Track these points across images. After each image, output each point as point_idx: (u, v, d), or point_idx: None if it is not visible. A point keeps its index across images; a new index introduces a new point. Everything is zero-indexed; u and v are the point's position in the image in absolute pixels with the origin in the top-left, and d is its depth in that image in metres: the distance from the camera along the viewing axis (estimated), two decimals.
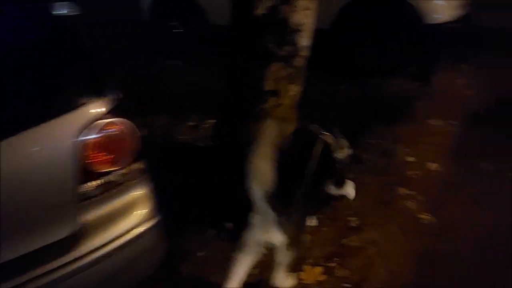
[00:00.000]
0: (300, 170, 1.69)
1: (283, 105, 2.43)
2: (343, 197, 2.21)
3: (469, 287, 1.88)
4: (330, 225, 2.24)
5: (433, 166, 2.68)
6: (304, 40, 2.30)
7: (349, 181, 2.19)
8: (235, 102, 2.49)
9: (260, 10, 2.20)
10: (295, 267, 1.81)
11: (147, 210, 1.44)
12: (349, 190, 2.21)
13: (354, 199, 2.27)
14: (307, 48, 2.34)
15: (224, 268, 1.71)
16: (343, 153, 2.05)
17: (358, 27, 4.48)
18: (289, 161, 1.65)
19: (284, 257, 1.64)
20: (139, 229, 1.40)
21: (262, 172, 1.45)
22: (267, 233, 1.57)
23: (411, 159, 2.78)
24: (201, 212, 2.25)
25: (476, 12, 5.57)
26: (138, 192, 1.42)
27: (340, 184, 2.10)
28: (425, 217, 2.24)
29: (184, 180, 2.41)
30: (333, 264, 1.97)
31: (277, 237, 1.56)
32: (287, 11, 2.19)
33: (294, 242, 1.60)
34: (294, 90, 2.43)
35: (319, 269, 1.94)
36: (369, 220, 2.26)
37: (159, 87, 4.00)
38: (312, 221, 2.10)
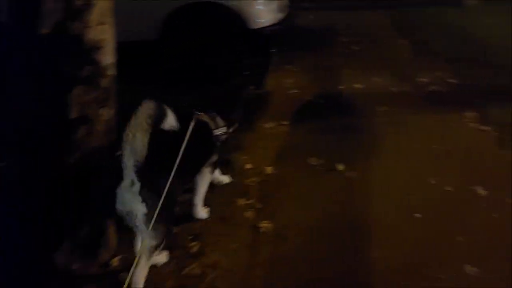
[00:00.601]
0: (176, 147, 1.76)
1: (96, 132, 2.14)
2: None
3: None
4: (170, 256, 2.04)
5: (269, 169, 2.70)
6: (107, 58, 2.05)
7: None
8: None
9: (45, 29, 1.87)
10: None
11: None
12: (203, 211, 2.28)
13: (195, 220, 2.21)
14: (112, 66, 2.09)
15: None
16: (220, 130, 2.12)
17: (185, 36, 4.41)
18: (166, 140, 1.76)
19: (144, 233, 1.69)
20: None
21: (137, 145, 1.56)
22: (130, 202, 1.64)
23: (249, 165, 2.77)
24: None
25: (295, 13, 6.07)
26: None
27: (222, 163, 2.30)
28: (264, 225, 2.21)
29: None
30: None
31: (138, 207, 1.63)
32: (79, 27, 1.91)
33: (158, 216, 1.62)
34: (107, 115, 2.15)
35: None
36: (210, 240, 2.14)
37: None
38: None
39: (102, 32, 1.98)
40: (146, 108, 1.60)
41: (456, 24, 6.44)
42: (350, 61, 4.98)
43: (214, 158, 2.18)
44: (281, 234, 2.15)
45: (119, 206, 1.68)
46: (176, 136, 1.81)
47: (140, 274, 1.68)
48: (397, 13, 7.69)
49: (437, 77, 4.33)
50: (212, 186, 2.51)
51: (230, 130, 2.23)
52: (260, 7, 4.50)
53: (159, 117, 1.67)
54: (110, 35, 2.04)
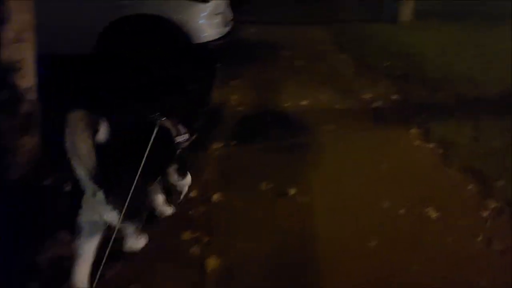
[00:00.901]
0: (139, 152, 1.79)
1: (18, 163, 1.85)
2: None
3: None
4: None
5: (216, 197, 2.53)
6: (27, 80, 1.78)
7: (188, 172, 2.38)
8: None
9: None
10: None
11: None
12: (188, 180, 2.40)
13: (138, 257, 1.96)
14: (33, 89, 1.82)
15: None
16: (182, 137, 2.17)
17: (123, 50, 4.15)
18: (127, 145, 1.82)
19: (126, 230, 1.76)
20: None
21: (83, 154, 1.50)
22: (100, 212, 1.65)
23: (194, 193, 2.57)
24: None
25: (238, 27, 5.99)
26: None
27: (183, 170, 2.31)
28: (211, 262, 2.02)
29: None
30: None
31: (110, 215, 1.65)
32: None
33: (130, 215, 1.69)
34: (29, 143, 1.87)
35: None
36: (153, 283, 1.91)
37: None
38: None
39: (20, 51, 1.72)
40: (76, 118, 1.51)
41: (392, 40, 6.69)
42: (294, 77, 4.97)
43: (175, 166, 2.23)
44: (229, 272, 1.98)
45: (85, 218, 1.68)
46: (139, 140, 1.87)
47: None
48: (336, 28, 7.90)
49: (380, 93, 4.41)
50: (155, 217, 2.29)
51: (191, 139, 2.27)
52: (204, 21, 4.35)
53: (93, 125, 1.58)
54: (30, 54, 1.78)
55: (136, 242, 1.87)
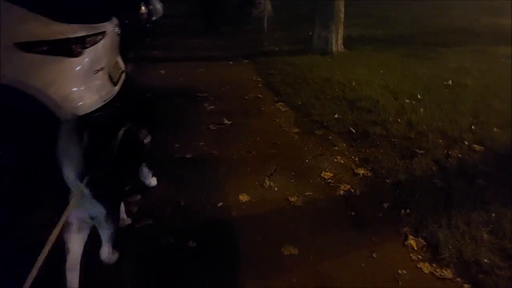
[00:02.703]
0: (108, 151, 2.03)
1: None
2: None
3: None
4: None
5: None
6: None
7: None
8: None
9: None
10: None
11: None
12: (153, 180, 2.81)
13: None
14: None
15: None
16: (147, 140, 2.43)
17: None
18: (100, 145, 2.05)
19: (106, 229, 1.91)
20: None
21: (71, 155, 1.73)
22: (86, 208, 1.83)
23: None
24: None
25: (144, 66, 4.49)
26: None
27: (148, 167, 2.69)
28: None
29: None
30: None
31: (96, 209, 1.84)
32: None
33: (112, 212, 1.94)
34: None
35: None
36: None
37: None
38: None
39: None
40: (69, 125, 1.76)
41: (331, 78, 5.67)
42: (225, 149, 3.60)
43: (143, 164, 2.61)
44: None
45: (73, 215, 1.82)
46: (114, 143, 2.08)
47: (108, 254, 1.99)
48: (262, 65, 6.74)
49: (342, 169, 3.21)
50: None
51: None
52: (76, 88, 2.81)
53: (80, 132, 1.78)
54: None
55: (111, 255, 2.00)
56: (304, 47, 7.81)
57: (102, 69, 3.05)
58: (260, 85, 5.67)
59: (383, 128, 3.94)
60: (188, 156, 3.40)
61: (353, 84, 5.39)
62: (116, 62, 3.61)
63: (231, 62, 7.10)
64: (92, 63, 2.92)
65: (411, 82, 5.43)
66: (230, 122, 4.18)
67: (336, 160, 3.36)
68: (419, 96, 4.83)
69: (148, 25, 7.85)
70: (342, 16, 7.27)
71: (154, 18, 8.73)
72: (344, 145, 3.66)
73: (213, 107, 4.69)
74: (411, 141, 3.63)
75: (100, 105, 2.95)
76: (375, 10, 14.30)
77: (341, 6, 7.19)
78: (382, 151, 3.50)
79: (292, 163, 3.30)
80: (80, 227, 1.86)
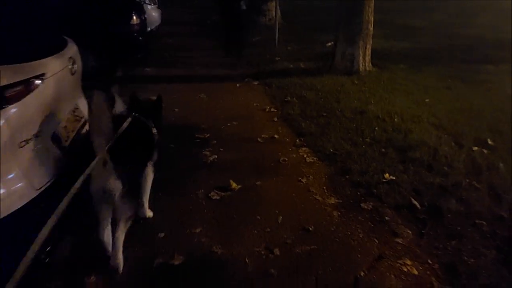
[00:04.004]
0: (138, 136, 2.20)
1: None
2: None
3: None
4: None
5: None
6: None
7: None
8: None
9: None
10: None
11: None
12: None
13: None
14: None
15: None
16: (155, 130, 2.36)
17: None
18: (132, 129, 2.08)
19: (122, 212, 1.92)
20: None
21: (102, 125, 1.81)
22: (107, 180, 1.83)
23: None
24: None
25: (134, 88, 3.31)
26: None
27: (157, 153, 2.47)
28: None
29: None
30: None
31: (115, 183, 1.84)
32: None
33: (129, 191, 1.94)
34: None
35: None
36: None
37: None
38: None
39: None
40: (99, 96, 1.79)
41: (364, 110, 4.48)
42: (233, 242, 2.47)
43: (155, 156, 2.43)
44: None
45: (94, 187, 1.84)
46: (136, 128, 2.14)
47: (119, 242, 1.98)
48: (275, 89, 5.55)
49: (417, 286, 2.01)
50: None
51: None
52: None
53: (111, 102, 1.93)
54: None
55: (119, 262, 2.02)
56: (323, 64, 6.61)
57: (37, 135, 1.87)
58: (275, 119, 4.47)
59: (458, 199, 2.74)
60: (176, 262, 2.19)
61: (396, 120, 4.19)
62: (74, 110, 2.43)
63: (238, 85, 5.88)
64: (15, 131, 1.73)
65: (470, 119, 4.23)
66: (239, 186, 2.98)
67: (406, 269, 2.16)
68: (489, 142, 3.64)
69: (140, 38, 6.66)
70: (372, 28, 6.06)
71: (149, 29, 7.55)
72: (410, 232, 2.46)
73: (215, 156, 3.48)
74: (503, 224, 2.44)
75: (32, 197, 1.77)
76: (393, 17, 12.99)
77: (370, 16, 5.98)
78: (470, 246, 2.30)
79: (337, 277, 2.10)
80: (104, 199, 1.86)
